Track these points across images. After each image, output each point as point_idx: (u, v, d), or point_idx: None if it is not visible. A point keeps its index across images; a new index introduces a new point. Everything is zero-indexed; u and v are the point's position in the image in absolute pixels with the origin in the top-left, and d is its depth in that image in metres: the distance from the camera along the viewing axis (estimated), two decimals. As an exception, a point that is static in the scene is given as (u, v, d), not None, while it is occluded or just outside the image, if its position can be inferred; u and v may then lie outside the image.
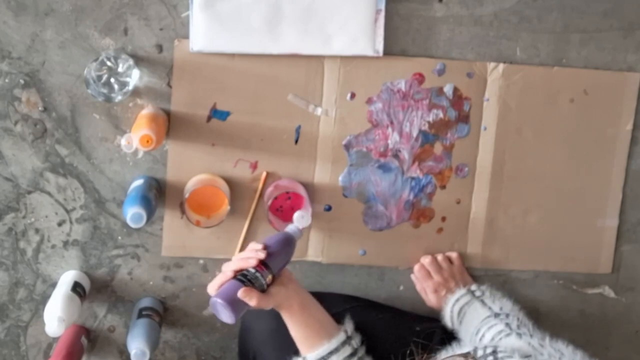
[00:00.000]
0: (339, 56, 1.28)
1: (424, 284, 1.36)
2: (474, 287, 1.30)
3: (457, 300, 1.27)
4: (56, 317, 1.21)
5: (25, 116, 1.26)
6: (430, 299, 1.36)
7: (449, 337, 1.25)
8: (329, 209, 1.35)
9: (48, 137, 1.27)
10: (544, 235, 1.40)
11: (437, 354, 1.04)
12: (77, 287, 1.28)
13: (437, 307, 1.33)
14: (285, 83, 1.28)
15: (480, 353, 0.94)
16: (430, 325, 1.29)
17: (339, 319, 1.14)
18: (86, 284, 1.32)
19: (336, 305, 1.32)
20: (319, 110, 1.30)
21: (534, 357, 0.95)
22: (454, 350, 1.08)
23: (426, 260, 1.37)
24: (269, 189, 1.31)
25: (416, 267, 1.38)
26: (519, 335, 1.06)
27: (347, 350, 1.09)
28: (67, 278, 1.31)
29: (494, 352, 0.93)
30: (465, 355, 0.95)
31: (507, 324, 1.12)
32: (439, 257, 1.38)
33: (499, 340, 1.08)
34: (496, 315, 1.17)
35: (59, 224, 1.32)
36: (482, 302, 1.23)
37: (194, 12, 1.22)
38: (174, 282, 1.37)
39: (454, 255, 1.39)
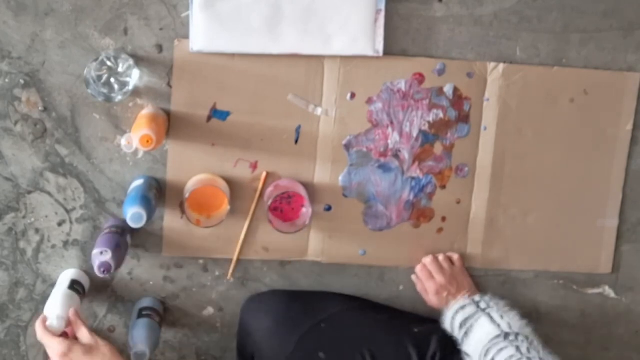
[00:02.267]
0: (339, 56, 1.28)
1: (426, 284, 1.36)
2: (477, 297, 1.29)
3: (462, 308, 1.27)
4: (55, 315, 1.20)
5: (25, 116, 1.26)
6: (432, 299, 1.35)
7: (446, 340, 1.25)
8: (329, 209, 1.35)
9: (48, 137, 1.27)
10: (544, 235, 1.40)
11: None
12: (75, 285, 1.28)
13: (438, 308, 1.33)
14: (285, 83, 1.28)
15: None
16: (429, 327, 1.29)
17: (338, 319, 1.14)
18: (85, 281, 1.32)
19: (335, 305, 1.32)
20: (319, 110, 1.30)
21: None
22: None
23: (428, 260, 1.37)
24: (269, 189, 1.31)
25: (418, 268, 1.38)
26: None
27: None
28: (65, 276, 1.31)
29: None
30: None
31: (517, 348, 1.11)
32: (440, 257, 1.37)
33: None
34: (505, 335, 1.16)
35: (59, 224, 1.32)
36: (490, 316, 1.22)
37: (194, 12, 1.22)
38: (174, 282, 1.37)
39: (455, 256, 1.38)
